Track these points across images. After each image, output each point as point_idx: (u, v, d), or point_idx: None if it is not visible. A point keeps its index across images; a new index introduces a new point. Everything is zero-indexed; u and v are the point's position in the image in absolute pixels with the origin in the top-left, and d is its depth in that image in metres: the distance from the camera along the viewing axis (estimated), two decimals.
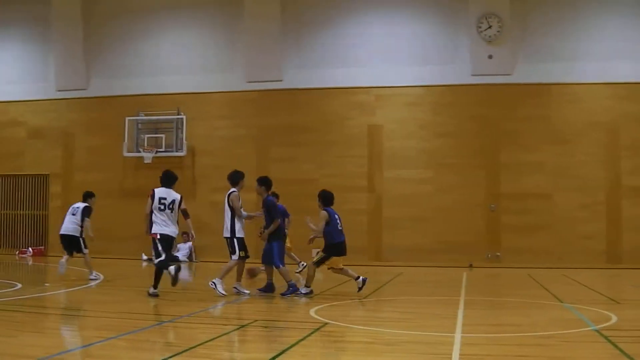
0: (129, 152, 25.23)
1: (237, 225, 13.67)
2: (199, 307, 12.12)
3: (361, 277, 13.96)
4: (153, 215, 13.13)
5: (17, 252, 25.75)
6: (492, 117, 23.28)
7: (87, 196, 17.27)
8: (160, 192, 13.31)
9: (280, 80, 24.74)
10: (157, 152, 24.76)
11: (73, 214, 16.88)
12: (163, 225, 13.12)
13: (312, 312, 11.31)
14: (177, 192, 13.56)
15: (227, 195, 13.73)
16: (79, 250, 16.86)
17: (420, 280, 18.88)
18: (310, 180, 23.39)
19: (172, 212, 13.23)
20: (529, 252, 22.41)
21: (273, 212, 14.07)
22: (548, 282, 16.91)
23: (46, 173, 26.75)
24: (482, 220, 23.11)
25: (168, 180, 13.51)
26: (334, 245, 13.91)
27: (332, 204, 14.23)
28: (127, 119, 25.16)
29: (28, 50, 27.35)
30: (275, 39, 24.81)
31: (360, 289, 13.90)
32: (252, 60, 25.01)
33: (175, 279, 13.06)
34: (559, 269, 20.84)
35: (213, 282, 13.47)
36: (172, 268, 13.00)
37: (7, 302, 12.19)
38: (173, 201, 13.27)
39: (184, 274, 20.35)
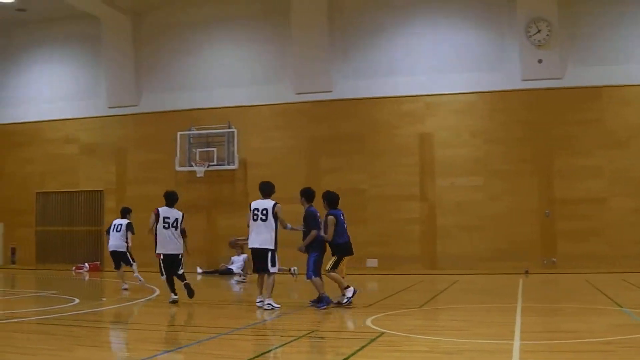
0: (181, 166, 25.41)
1: (277, 238, 13.67)
2: (256, 319, 12.17)
3: (352, 288, 13.88)
4: (157, 233, 14.34)
5: (73, 268, 26.05)
6: (543, 122, 22.99)
7: (126, 212, 18.30)
8: (163, 211, 14.50)
9: (330, 91, 24.73)
10: (209, 165, 24.93)
11: (117, 231, 17.87)
12: (166, 244, 14.34)
13: (368, 322, 11.26)
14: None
15: (272, 207, 13.57)
16: (128, 264, 17.88)
17: (476, 288, 18.70)
18: (361, 190, 23.44)
19: (175, 229, 14.48)
20: (585, 257, 22.01)
21: (310, 223, 13.87)
22: (606, 288, 16.65)
23: (100, 189, 27.14)
24: (537, 226, 22.81)
25: (171, 200, 14.73)
26: (338, 245, 13.85)
27: (337, 205, 14.14)
28: (178, 133, 25.40)
29: (79, 68, 27.92)
30: (324, 50, 24.85)
31: (342, 303, 13.75)
32: (301, 71, 25.08)
33: (189, 293, 14.52)
34: (618, 273, 20.43)
35: (269, 304, 13.24)
36: (185, 284, 14.54)
37: (66, 317, 12.37)
38: (176, 219, 14.53)
39: (237, 286, 20.50)
